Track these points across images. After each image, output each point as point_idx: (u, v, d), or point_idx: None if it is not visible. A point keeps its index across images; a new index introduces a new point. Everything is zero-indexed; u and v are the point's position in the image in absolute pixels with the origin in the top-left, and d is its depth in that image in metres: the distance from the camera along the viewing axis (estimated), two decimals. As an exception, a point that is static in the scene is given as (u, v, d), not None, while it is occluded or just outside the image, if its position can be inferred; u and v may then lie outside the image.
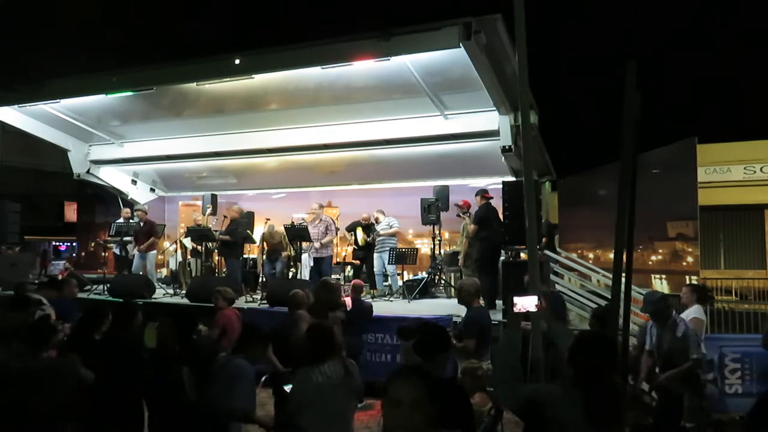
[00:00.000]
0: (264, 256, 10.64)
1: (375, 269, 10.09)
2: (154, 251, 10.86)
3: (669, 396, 4.96)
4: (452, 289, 9.57)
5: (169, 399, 3.83)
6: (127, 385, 3.99)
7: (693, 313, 5.77)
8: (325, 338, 3.41)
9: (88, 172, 12.79)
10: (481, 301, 5.80)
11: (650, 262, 10.60)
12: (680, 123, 13.92)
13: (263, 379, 5.29)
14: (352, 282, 7.48)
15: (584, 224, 12.69)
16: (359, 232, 10.29)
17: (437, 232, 10.25)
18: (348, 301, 6.62)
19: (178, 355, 3.96)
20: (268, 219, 11.07)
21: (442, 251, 10.38)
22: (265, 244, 10.53)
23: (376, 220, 10.27)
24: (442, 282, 10.07)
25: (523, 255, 7.77)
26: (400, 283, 9.81)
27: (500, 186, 7.90)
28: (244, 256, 10.97)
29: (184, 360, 3.90)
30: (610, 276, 3.68)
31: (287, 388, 3.64)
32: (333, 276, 10.13)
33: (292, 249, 10.60)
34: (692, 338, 4.92)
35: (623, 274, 3.29)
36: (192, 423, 3.66)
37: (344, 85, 8.97)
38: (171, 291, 10.19)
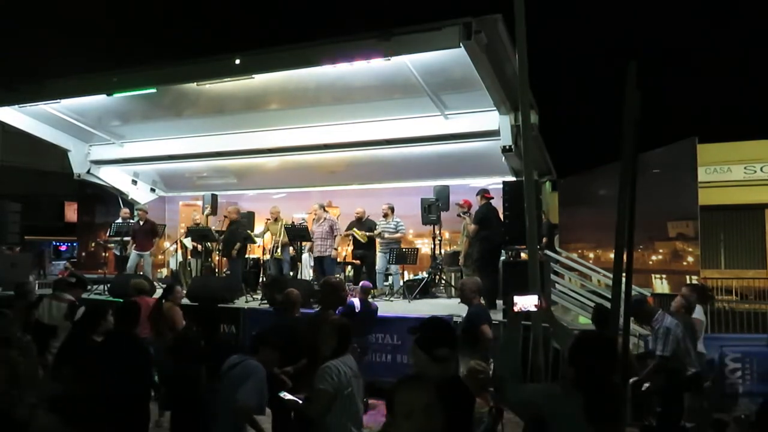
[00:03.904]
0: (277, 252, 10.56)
1: (377, 267, 10.06)
2: (150, 251, 10.87)
3: (669, 396, 4.96)
4: (453, 289, 9.57)
5: (185, 395, 3.89)
6: (132, 384, 3.99)
7: (692, 313, 5.77)
8: (348, 333, 3.58)
9: (88, 172, 12.80)
10: (482, 300, 5.82)
11: (650, 262, 10.60)
12: (680, 123, 13.89)
13: None
14: (361, 283, 7.44)
15: (584, 224, 12.68)
16: (355, 231, 10.28)
17: (437, 232, 10.23)
18: (356, 302, 6.60)
19: (199, 353, 4.00)
20: (268, 219, 11.06)
21: (443, 251, 10.37)
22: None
23: (385, 215, 10.20)
24: (443, 282, 10.06)
25: (523, 255, 7.76)
26: (401, 282, 9.80)
27: (500, 186, 7.87)
28: (246, 256, 10.95)
29: (203, 359, 3.93)
30: (611, 276, 3.68)
31: (283, 395, 3.72)
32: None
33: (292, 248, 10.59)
34: (661, 335, 4.90)
35: (624, 274, 3.29)
36: (206, 421, 3.70)
37: (344, 85, 8.97)
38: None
